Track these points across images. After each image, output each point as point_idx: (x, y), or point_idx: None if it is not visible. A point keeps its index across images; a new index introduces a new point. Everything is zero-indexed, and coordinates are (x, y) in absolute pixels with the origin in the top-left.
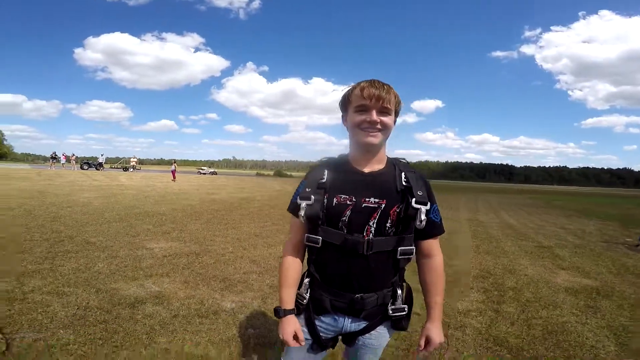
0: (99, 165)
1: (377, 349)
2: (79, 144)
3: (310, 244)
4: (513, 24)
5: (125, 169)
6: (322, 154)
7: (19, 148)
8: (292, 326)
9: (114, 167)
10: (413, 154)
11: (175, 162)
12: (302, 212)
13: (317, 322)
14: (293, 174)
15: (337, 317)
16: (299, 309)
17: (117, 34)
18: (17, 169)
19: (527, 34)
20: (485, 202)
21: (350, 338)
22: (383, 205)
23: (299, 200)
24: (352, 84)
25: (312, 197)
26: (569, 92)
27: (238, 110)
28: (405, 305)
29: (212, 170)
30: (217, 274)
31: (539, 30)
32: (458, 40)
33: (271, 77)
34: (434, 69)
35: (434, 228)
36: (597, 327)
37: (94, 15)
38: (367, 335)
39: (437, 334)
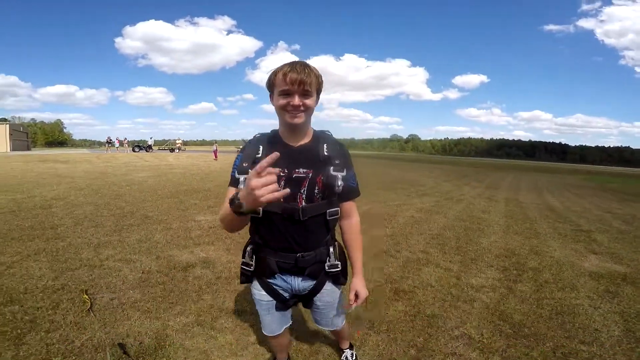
0: (148, 148)
1: (334, 304)
2: (128, 128)
3: (252, 214)
4: None
5: (172, 150)
6: (357, 132)
7: (77, 135)
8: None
9: (162, 149)
10: (455, 131)
11: (216, 143)
12: (241, 185)
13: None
14: None
15: (285, 278)
16: (247, 277)
17: (152, 22)
18: (79, 154)
19: (585, 7)
20: (530, 182)
21: (307, 300)
22: (310, 175)
23: (237, 175)
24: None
25: (249, 171)
26: (636, 69)
27: None
28: (339, 262)
29: None
30: None
31: (598, 4)
32: (504, 13)
33: (303, 55)
34: (477, 43)
35: (350, 192)
36: (609, 312)
37: (128, 5)
38: (319, 295)
39: (362, 288)
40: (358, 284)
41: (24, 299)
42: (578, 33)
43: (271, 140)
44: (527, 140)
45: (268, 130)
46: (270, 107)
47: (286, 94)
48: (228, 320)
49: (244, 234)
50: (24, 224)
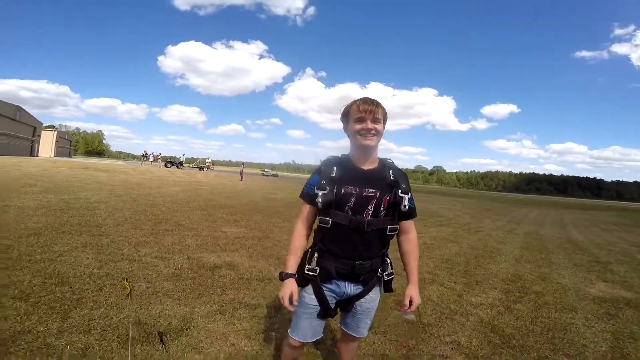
0: (179, 164)
1: (371, 312)
2: (161, 144)
3: (322, 224)
4: (598, 21)
5: (201, 169)
6: None
7: (114, 146)
8: (289, 288)
9: (191, 167)
10: (482, 163)
11: (243, 164)
12: (319, 199)
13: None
14: None
15: (339, 283)
16: (306, 280)
17: (192, 43)
18: (116, 165)
19: (618, 31)
20: (556, 218)
21: (348, 304)
22: (378, 194)
23: (316, 190)
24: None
25: (327, 187)
26: None
27: (298, 116)
28: (393, 270)
29: (274, 172)
30: (273, 254)
31: (632, 28)
32: (534, 40)
33: (329, 82)
34: (506, 72)
35: (411, 212)
36: (602, 331)
37: (172, 25)
38: (362, 300)
39: (416, 295)
40: (413, 291)
41: (73, 282)
42: (612, 59)
43: (343, 164)
44: (559, 174)
45: (340, 154)
46: (294, 133)
47: (360, 120)
48: (246, 311)
49: (265, 247)
50: (72, 221)
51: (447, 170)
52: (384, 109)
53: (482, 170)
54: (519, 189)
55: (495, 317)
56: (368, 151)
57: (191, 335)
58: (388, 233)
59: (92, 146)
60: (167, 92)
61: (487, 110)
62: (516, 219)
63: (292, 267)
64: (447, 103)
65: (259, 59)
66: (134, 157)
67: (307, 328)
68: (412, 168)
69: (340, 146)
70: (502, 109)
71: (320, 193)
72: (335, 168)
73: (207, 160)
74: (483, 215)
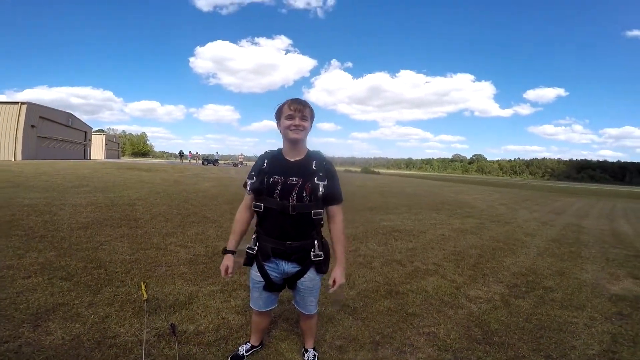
0: (215, 162)
1: (314, 290)
2: (200, 143)
3: (255, 209)
4: None
5: (235, 165)
6: (414, 151)
7: (157, 147)
8: (226, 262)
9: (226, 163)
10: (528, 150)
11: None
12: (248, 187)
13: (265, 267)
14: (381, 171)
15: (277, 262)
16: (250, 259)
17: (219, 42)
18: (157, 164)
19: None
20: (605, 208)
21: (292, 282)
22: (300, 182)
23: (247, 180)
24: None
25: (255, 177)
26: None
27: (327, 109)
28: (322, 252)
29: None
30: None
31: None
32: (578, 19)
33: (356, 73)
34: (549, 54)
35: (333, 198)
36: (602, 332)
37: (197, 26)
38: (302, 279)
39: (340, 275)
40: (337, 272)
41: (108, 265)
42: None
43: (274, 156)
44: (615, 160)
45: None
46: (324, 126)
47: (290, 117)
48: (243, 292)
49: None
50: (115, 216)
51: (489, 159)
52: (311, 110)
53: (527, 158)
54: (569, 177)
55: (487, 312)
56: (296, 144)
57: (191, 309)
58: (313, 217)
59: (137, 147)
60: (202, 92)
61: (531, 94)
62: (558, 209)
63: (231, 245)
64: (486, 88)
65: (285, 53)
66: (175, 156)
67: (258, 299)
68: (450, 157)
69: (372, 137)
70: (547, 93)
71: (249, 182)
72: (266, 161)
73: (240, 157)
74: (521, 205)
